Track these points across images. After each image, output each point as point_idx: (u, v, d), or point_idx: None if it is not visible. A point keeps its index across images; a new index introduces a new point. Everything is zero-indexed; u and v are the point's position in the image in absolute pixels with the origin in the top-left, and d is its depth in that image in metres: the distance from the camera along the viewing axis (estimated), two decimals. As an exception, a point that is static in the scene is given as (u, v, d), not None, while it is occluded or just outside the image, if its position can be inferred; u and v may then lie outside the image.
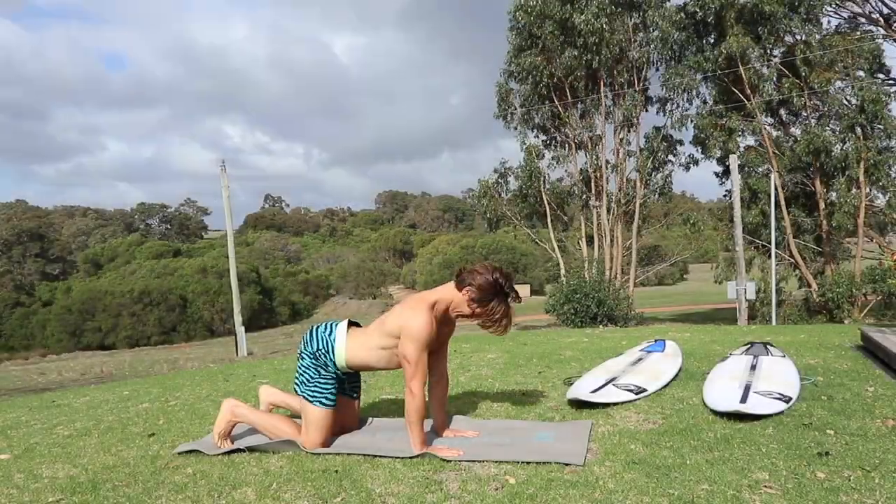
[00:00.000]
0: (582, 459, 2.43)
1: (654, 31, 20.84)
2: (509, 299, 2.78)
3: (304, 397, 2.84)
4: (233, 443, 2.89)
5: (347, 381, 3.00)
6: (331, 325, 2.93)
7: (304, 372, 2.88)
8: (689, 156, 21.93)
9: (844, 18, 19.63)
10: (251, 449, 2.82)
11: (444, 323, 2.84)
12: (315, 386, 2.84)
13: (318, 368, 2.86)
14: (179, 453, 2.88)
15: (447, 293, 2.81)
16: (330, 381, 2.86)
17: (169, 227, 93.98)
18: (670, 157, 22.28)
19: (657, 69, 21.85)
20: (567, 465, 2.40)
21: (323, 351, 2.85)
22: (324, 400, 2.82)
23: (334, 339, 2.85)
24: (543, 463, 2.42)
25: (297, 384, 2.90)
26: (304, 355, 2.90)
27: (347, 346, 2.83)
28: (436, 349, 2.88)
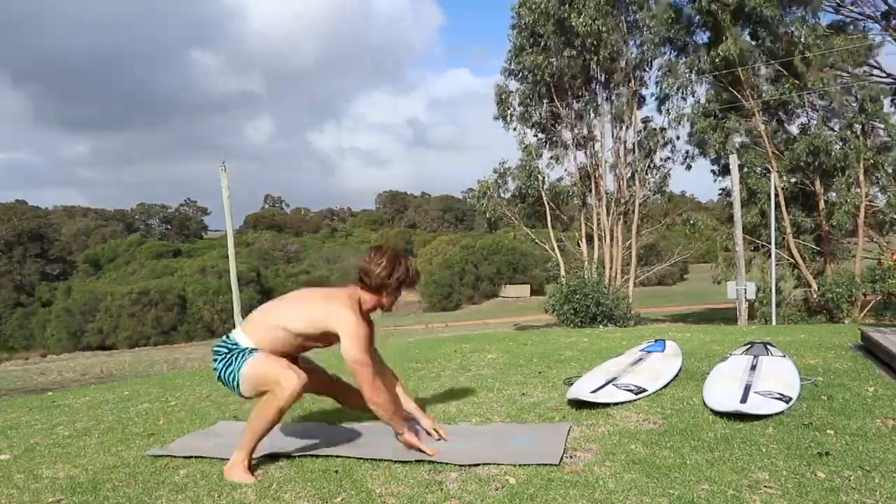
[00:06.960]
0: (557, 459, 2.44)
1: (647, 31, 20.89)
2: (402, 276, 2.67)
3: (232, 376, 2.55)
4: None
5: None
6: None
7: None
8: (686, 152, 21.95)
9: (842, 16, 19.63)
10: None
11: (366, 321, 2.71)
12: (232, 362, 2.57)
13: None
14: (161, 456, 2.85)
15: (362, 293, 2.68)
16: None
17: (169, 227, 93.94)
18: (667, 154, 22.33)
19: (650, 67, 21.91)
20: (551, 465, 2.41)
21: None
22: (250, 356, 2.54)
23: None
24: (544, 464, 2.42)
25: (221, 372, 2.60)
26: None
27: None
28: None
